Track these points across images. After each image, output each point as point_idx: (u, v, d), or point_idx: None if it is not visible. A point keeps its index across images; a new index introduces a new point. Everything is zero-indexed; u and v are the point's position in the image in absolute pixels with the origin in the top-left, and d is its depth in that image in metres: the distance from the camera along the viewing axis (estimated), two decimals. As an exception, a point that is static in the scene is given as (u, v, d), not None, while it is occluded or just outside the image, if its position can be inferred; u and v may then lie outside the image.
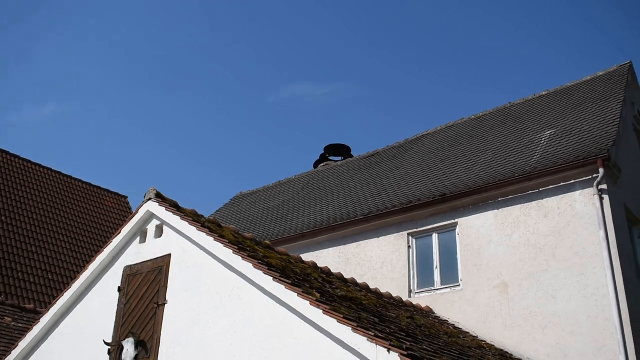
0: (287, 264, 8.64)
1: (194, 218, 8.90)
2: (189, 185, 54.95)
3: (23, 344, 10.20)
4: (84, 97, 52.57)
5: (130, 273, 9.32)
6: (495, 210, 13.25)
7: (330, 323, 6.65)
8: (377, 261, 14.54)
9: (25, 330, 13.44)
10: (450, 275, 13.59)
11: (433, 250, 13.92)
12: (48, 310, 10.12)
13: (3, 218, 18.93)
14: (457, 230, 13.65)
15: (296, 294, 7.08)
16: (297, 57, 55.94)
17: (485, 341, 12.17)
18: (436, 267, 13.76)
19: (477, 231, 13.33)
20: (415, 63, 54.00)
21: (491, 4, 49.93)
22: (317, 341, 6.79)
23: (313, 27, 54.84)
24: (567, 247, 12.23)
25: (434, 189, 14.47)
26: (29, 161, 21.67)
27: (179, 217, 8.88)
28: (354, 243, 15.06)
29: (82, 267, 19.69)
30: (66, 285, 18.47)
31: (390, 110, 53.61)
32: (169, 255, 8.91)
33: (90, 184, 23.33)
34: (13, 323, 13.44)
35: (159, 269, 8.93)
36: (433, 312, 13.21)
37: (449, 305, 13.22)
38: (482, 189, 13.31)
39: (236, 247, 8.05)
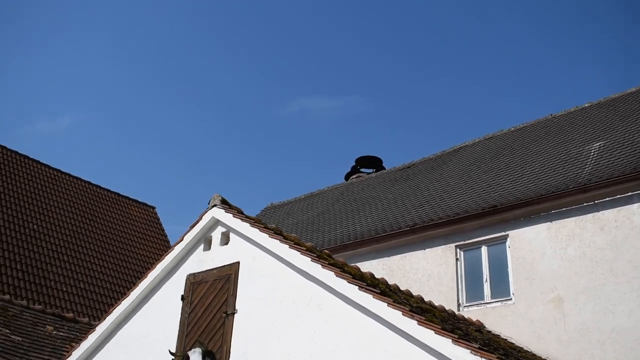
0: (357, 272, 8.33)
1: (264, 225, 8.62)
2: (194, 199, 54.78)
3: (78, 352, 9.89)
4: (94, 108, 52.56)
5: (195, 281, 9.03)
6: (549, 223, 12.94)
7: (427, 335, 6.33)
8: (424, 274, 14.22)
9: (68, 339, 13.14)
10: (501, 289, 13.27)
11: (482, 263, 13.62)
12: (105, 318, 9.82)
13: (35, 227, 18.69)
14: (507, 243, 13.35)
15: (386, 304, 6.76)
16: (307, 70, 55.90)
17: (541, 357, 11.81)
18: (486, 281, 13.44)
19: (530, 244, 13.01)
20: (426, 74, 53.84)
21: (511, 15, 49.86)
22: (411, 354, 6.46)
23: (321, 39, 54.83)
24: (625, 261, 11.90)
25: (481, 201, 14.18)
26: (59, 171, 21.46)
27: (248, 225, 8.62)
28: (399, 255, 14.77)
29: (112, 276, 19.41)
30: (99, 294, 18.20)
31: (402, 125, 53.39)
32: (238, 263, 8.63)
33: (118, 194, 23.11)
34: (55, 332, 13.13)
35: (226, 277, 8.64)
36: (484, 327, 12.86)
37: (500, 319, 12.88)
38: (535, 201, 13.02)
39: (315, 255, 7.76)
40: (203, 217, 9.28)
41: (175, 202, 52.59)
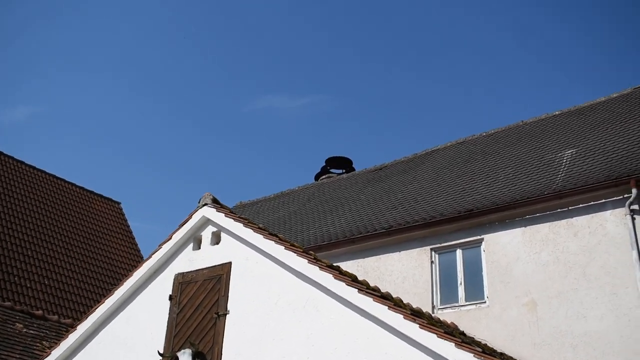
0: (353, 275, 8.36)
1: (257, 226, 8.58)
2: (159, 196, 54.02)
3: (57, 352, 9.67)
4: (59, 101, 51.40)
5: (184, 281, 8.93)
6: (523, 228, 13.18)
7: (429, 338, 6.40)
8: (399, 276, 14.33)
9: (38, 337, 12.85)
10: (475, 291, 13.45)
11: (457, 266, 13.78)
12: (86, 318, 9.63)
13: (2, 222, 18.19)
14: (482, 246, 13.54)
15: (387, 307, 6.81)
16: (272, 68, 55.70)
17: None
18: (460, 284, 13.62)
19: (504, 248, 13.23)
20: (394, 75, 54.21)
21: (482, 16, 50.61)
22: (412, 357, 6.52)
23: (289, 37, 54.75)
24: (598, 267, 12.21)
25: (456, 205, 14.35)
26: (22, 162, 20.92)
27: (241, 224, 8.56)
28: (374, 257, 14.83)
29: (79, 273, 19.04)
30: (66, 292, 17.82)
31: (369, 126, 53.65)
32: (229, 263, 8.56)
33: (82, 188, 22.65)
34: (25, 330, 12.83)
35: (217, 277, 8.56)
36: (458, 329, 13.04)
37: (474, 322, 13.07)
38: (510, 206, 13.24)
39: (312, 257, 7.76)
40: (193, 216, 9.18)
41: (140, 198, 51.74)
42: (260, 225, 8.73)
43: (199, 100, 55.14)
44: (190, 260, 9.06)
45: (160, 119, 54.29)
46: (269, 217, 19.66)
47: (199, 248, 9.13)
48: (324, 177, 22.82)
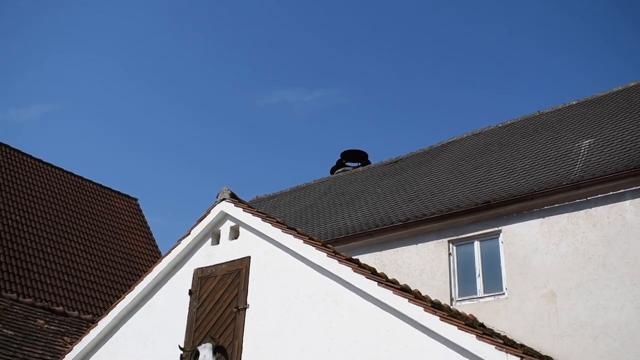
0: (372, 268, 8.37)
1: (276, 220, 8.61)
2: (176, 192, 54.24)
3: (79, 347, 9.77)
4: (73, 98, 51.73)
5: (203, 276, 8.98)
6: (541, 219, 13.09)
7: (450, 331, 6.39)
8: (416, 268, 14.31)
9: (59, 333, 12.98)
10: (493, 283, 13.40)
11: (475, 258, 13.72)
12: (107, 313, 9.72)
13: (18, 218, 18.36)
14: (500, 238, 13.47)
15: (407, 300, 6.81)
16: (285, 62, 55.68)
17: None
18: (479, 276, 13.57)
19: (522, 239, 13.16)
20: (409, 69, 54.02)
21: (499, 11, 50.25)
22: (433, 349, 6.52)
23: (302, 30, 54.68)
24: (617, 257, 12.12)
25: (473, 197, 14.30)
26: (40, 160, 21.09)
27: (260, 219, 8.60)
28: (392, 250, 14.81)
29: (97, 269, 19.18)
30: (85, 287, 17.98)
31: (385, 119, 53.49)
32: (249, 258, 8.60)
33: (100, 185, 22.81)
34: (46, 326, 12.96)
35: (236, 272, 8.61)
36: (478, 321, 13.01)
37: (493, 314, 13.02)
38: (528, 197, 13.15)
39: (330, 251, 7.78)
40: (211, 211, 9.23)
41: (157, 194, 51.99)
42: (279, 219, 8.76)
43: (214, 96, 55.33)
44: (209, 255, 9.11)
45: (174, 114, 54.52)
46: (286, 211, 19.70)
47: (218, 243, 9.18)
48: (339, 170, 22.82)
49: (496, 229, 13.53)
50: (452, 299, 13.60)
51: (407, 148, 52.52)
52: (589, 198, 12.65)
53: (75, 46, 51.39)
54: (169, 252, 9.50)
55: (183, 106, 54.80)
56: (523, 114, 18.79)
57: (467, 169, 16.38)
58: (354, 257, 9.61)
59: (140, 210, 23.84)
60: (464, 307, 13.30)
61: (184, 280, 9.22)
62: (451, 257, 13.99)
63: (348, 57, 54.77)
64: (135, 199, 24.16)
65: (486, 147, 17.26)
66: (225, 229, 9.15)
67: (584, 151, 14.21)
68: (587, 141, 14.66)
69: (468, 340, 6.25)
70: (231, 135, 55.65)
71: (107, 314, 9.72)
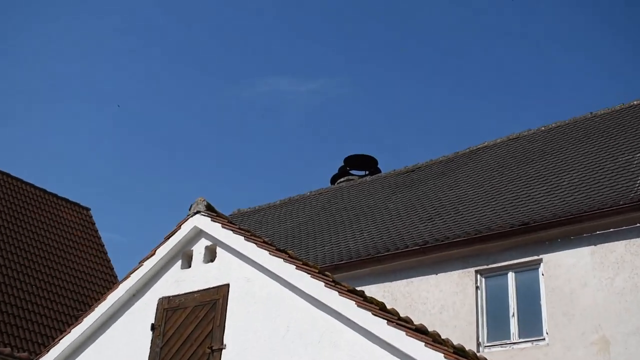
0: (380, 303, 8.36)
1: (262, 240, 8.60)
2: (137, 202, 54.06)
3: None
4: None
5: (169, 307, 8.98)
6: (592, 247, 13.11)
7: (477, 383, 6.36)
8: (435, 304, 14.31)
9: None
10: (531, 326, 13.39)
11: (509, 293, 13.73)
12: (48, 351, 9.69)
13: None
14: (541, 269, 13.48)
15: (423, 343, 6.79)
16: (278, 43, 55.76)
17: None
18: (513, 315, 13.57)
19: (568, 271, 13.17)
20: (433, 56, 54.20)
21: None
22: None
23: (298, 5, 54.90)
24: (687, 297, 12.13)
25: (508, 217, 14.31)
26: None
27: (242, 238, 8.59)
28: (405, 280, 14.82)
29: (35, 295, 19.10)
30: (18, 317, 17.88)
31: (400, 117, 53.51)
32: (227, 286, 8.62)
33: (45, 191, 22.78)
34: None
35: (211, 303, 8.62)
36: (511, 373, 13.00)
37: (530, 364, 13.03)
38: (576, 219, 13.16)
39: (330, 280, 7.76)
40: (182, 227, 9.24)
41: (114, 204, 51.76)
42: (266, 239, 8.74)
43: (188, 84, 55.33)
44: (178, 282, 9.10)
45: (137, 104, 54.51)
46: (275, 229, 19.70)
47: (189, 266, 9.17)
48: (342, 180, 22.84)
49: (536, 257, 13.53)
50: (479, 344, 13.59)
51: (427, 154, 52.51)
52: (652, 222, 12.71)
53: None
54: (128, 276, 9.48)
55: (148, 94, 54.91)
56: (572, 115, 18.86)
57: (501, 182, 16.39)
58: (358, 289, 9.59)
59: (93, 223, 23.76)
60: (494, 354, 13.28)
61: (145, 311, 9.20)
62: (479, 292, 13.98)
63: (353, 39, 54.98)
64: (87, 209, 24.10)
65: (525, 156, 17.29)
66: (198, 249, 9.14)
67: (647, 164, 14.27)
68: (650, 151, 14.73)
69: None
70: (209, 132, 55.63)
71: (47, 352, 9.69)
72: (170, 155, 54.46)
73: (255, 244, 8.48)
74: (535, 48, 51.60)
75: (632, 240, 12.80)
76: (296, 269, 8.00)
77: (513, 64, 52.62)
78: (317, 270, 8.00)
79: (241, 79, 56.60)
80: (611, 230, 12.97)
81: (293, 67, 55.77)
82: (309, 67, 56.01)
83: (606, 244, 12.99)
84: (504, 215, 14.52)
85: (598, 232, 13.07)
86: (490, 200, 15.66)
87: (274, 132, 55.30)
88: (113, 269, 22.78)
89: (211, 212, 9.18)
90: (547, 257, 13.43)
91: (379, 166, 23.70)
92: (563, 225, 13.26)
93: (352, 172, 23.53)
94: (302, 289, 7.90)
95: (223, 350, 8.31)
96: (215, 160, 55.14)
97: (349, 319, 7.43)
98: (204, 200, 9.26)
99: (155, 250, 9.40)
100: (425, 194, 17.75)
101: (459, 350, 7.07)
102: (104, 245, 23.37)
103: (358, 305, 7.38)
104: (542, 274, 13.42)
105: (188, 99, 55.46)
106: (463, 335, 13.68)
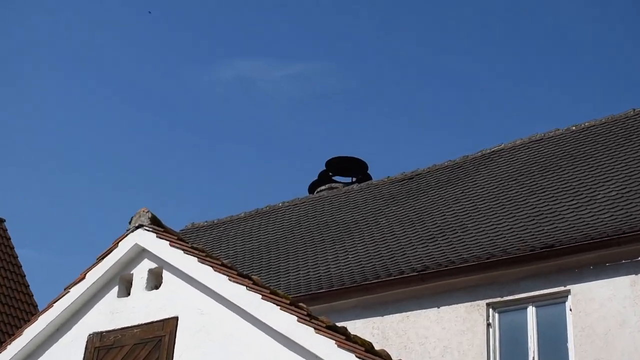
0: (366, 342, 8.37)
1: (220, 262, 8.58)
2: (63, 213, 53.48)
3: None
4: None
5: (102, 345, 8.89)
6: (633, 276, 13.23)
7: None
8: (437, 345, 14.36)
9: None
10: (556, 372, 13.50)
11: (529, 331, 13.83)
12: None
13: None
14: (568, 303, 13.59)
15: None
16: (248, 18, 55.56)
17: None
18: (533, 359, 13.66)
19: (603, 306, 13.27)
20: (436, 38, 54.33)
21: None
22: None
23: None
24: None
25: (528, 237, 14.39)
26: None
27: (195, 259, 8.55)
28: (399, 314, 14.88)
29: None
30: None
31: (397, 112, 53.52)
32: (175, 319, 8.55)
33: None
34: None
35: (155, 341, 8.55)
36: None
37: (554, 420, 13.12)
38: (613, 242, 13.30)
39: (304, 314, 7.75)
40: (120, 245, 9.16)
41: (33, 215, 51.19)
42: (225, 261, 8.71)
43: (133, 66, 55.09)
44: (114, 313, 9.02)
45: (70, 93, 54.16)
46: (238, 249, 19.70)
47: (128, 294, 9.09)
48: (323, 188, 22.90)
49: (562, 288, 13.63)
50: (490, 395, 13.69)
51: (429, 158, 52.48)
52: None
53: None
54: (50, 305, 9.36)
55: (82, 80, 54.64)
56: (609, 112, 18.93)
57: (520, 194, 16.48)
58: (339, 325, 9.58)
59: (8, 238, 23.70)
60: (509, 408, 13.38)
61: (71, 350, 9.08)
62: (491, 330, 14.04)
63: (341, 13, 55.00)
64: (2, 221, 24.03)
65: (550, 162, 17.39)
66: (140, 273, 9.06)
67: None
68: None
69: None
70: (157, 126, 55.36)
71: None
72: (108, 156, 54.02)
73: (212, 267, 8.41)
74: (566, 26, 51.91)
75: (681, 268, 12.93)
76: (262, 299, 7.95)
77: (537, 46, 52.89)
78: (288, 301, 7.95)
79: (200, 60, 56.32)
80: (656, 255, 13.11)
81: (266, 47, 55.73)
82: (286, 47, 56.04)
83: (649, 273, 13.12)
84: (523, 235, 14.58)
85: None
86: (506, 216, 15.72)
87: (239, 127, 55.19)
88: (32, 295, 22.70)
89: (157, 226, 9.09)
90: (576, 289, 13.52)
91: (369, 172, 23.78)
92: (597, 248, 13.37)
93: (336, 178, 23.61)
94: (270, 325, 7.85)
95: (170, 401, 8.26)
96: (166, 161, 54.86)
97: (328, 363, 7.41)
98: (148, 212, 9.17)
99: (86, 274, 9.30)
100: (426, 207, 17.79)
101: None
102: (20, 266, 23.31)
103: (339, 346, 7.35)
104: (570, 309, 13.52)
105: (136, 87, 55.19)
106: (471, 384, 13.78)
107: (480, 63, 54.14)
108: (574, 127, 18.76)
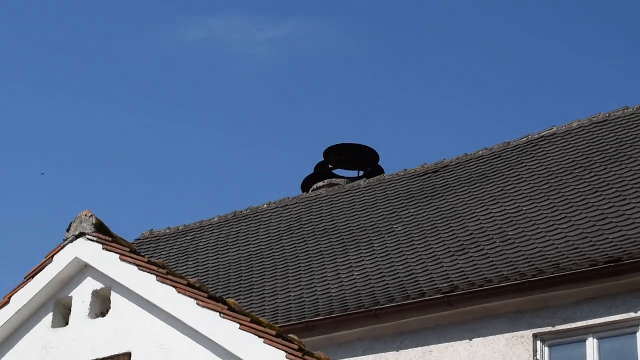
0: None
1: (185, 281, 8.60)
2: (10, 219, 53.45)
3: None
4: None
5: (32, 390, 8.96)
6: None
7: None
8: (469, 388, 14.44)
9: None
10: None
11: (588, 370, 13.90)
12: None
13: None
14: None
15: None
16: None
17: None
18: (594, 408, 13.75)
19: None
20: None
21: None
22: None
23: None
24: None
25: (587, 248, 14.41)
26: None
27: (154, 277, 8.56)
28: (419, 348, 14.94)
29: None
30: None
31: (413, 82, 53.40)
32: (128, 355, 8.57)
33: None
34: None
35: (101, 383, 8.61)
36: None
37: None
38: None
39: (295, 347, 7.79)
40: (55, 259, 9.15)
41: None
42: (192, 280, 8.72)
43: (61, 27, 54.92)
44: (47, 348, 9.02)
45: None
46: (209, 263, 19.75)
47: (66, 323, 9.10)
48: (320, 184, 22.99)
49: (632, 315, 13.71)
50: None
51: (457, 146, 52.30)
52: None
53: None
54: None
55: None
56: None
57: (577, 191, 16.53)
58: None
59: None
60: None
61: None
62: (539, 366, 14.14)
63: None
64: None
65: (616, 149, 17.43)
66: (81, 296, 9.05)
67: None
68: None
69: None
70: (103, 105, 55.33)
71: None
72: (44, 148, 53.94)
73: (175, 287, 8.42)
74: None
75: None
76: (241, 328, 7.97)
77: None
78: (275, 332, 7.97)
79: (156, 18, 56.12)
80: None
81: (245, 0, 55.56)
82: (271, 0, 55.79)
83: None
84: (581, 246, 14.61)
85: None
86: (559, 220, 15.76)
87: (210, 105, 54.97)
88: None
89: (104, 234, 9.07)
90: (651, 315, 13.61)
91: (380, 163, 23.84)
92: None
93: (337, 172, 23.70)
94: (250, 360, 7.91)
95: None
96: (111, 151, 54.45)
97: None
98: (91, 216, 9.15)
99: (10, 297, 9.30)
100: (455, 208, 17.83)
101: None
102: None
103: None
104: (644, 342, 13.61)
105: (76, 52, 55.02)
106: None
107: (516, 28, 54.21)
108: (645, 106, 18.82)
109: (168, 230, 22.67)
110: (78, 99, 54.52)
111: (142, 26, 55.36)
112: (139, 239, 22.35)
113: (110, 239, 9.12)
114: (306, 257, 18.39)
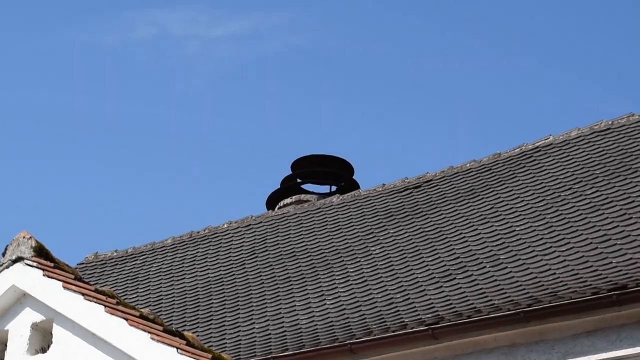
0: None
1: (139, 313, 8.57)
2: None
3: None
4: None
5: None
6: None
7: None
8: None
9: None
10: None
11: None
12: None
13: None
14: (649, 370, 13.70)
15: None
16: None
17: None
18: None
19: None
20: None
21: None
22: None
23: None
24: None
25: (589, 275, 14.44)
26: None
27: (102, 308, 8.52)
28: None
29: None
30: None
31: (393, 83, 53.61)
32: (71, 397, 8.55)
33: None
34: None
35: None
36: None
37: None
38: None
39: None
40: (-15, 287, 9.14)
41: None
42: (145, 311, 8.69)
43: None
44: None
45: None
46: (163, 292, 19.71)
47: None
48: (288, 201, 22.99)
49: (640, 349, 13.75)
50: None
51: (442, 158, 52.50)
52: None
53: None
54: None
55: None
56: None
57: (576, 208, 16.58)
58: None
59: None
60: None
61: None
62: (536, 409, 14.14)
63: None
64: None
65: (620, 161, 17.50)
66: (19, 329, 9.03)
67: None
68: None
69: None
70: (35, 114, 55.38)
71: None
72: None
73: (126, 319, 8.40)
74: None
75: None
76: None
77: None
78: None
79: (99, 11, 56.06)
80: None
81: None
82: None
83: None
84: (582, 271, 14.65)
85: None
86: (557, 242, 15.80)
87: (159, 113, 54.97)
88: None
89: (44, 259, 9.06)
90: (661, 350, 13.65)
91: (355, 177, 23.84)
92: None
93: (307, 187, 23.71)
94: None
95: None
96: (51, 169, 54.46)
97: None
98: (30, 238, 9.11)
99: None
100: (440, 229, 17.86)
101: None
102: None
103: None
104: (653, 381, 13.64)
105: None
106: None
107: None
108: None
109: (115, 254, 22.60)
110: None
111: (79, 19, 55.34)
112: (83, 263, 22.27)
113: (52, 264, 9.06)
114: (272, 283, 18.38)
